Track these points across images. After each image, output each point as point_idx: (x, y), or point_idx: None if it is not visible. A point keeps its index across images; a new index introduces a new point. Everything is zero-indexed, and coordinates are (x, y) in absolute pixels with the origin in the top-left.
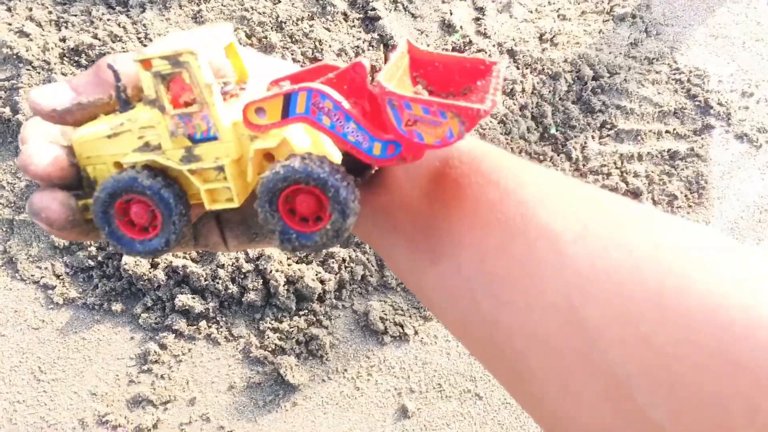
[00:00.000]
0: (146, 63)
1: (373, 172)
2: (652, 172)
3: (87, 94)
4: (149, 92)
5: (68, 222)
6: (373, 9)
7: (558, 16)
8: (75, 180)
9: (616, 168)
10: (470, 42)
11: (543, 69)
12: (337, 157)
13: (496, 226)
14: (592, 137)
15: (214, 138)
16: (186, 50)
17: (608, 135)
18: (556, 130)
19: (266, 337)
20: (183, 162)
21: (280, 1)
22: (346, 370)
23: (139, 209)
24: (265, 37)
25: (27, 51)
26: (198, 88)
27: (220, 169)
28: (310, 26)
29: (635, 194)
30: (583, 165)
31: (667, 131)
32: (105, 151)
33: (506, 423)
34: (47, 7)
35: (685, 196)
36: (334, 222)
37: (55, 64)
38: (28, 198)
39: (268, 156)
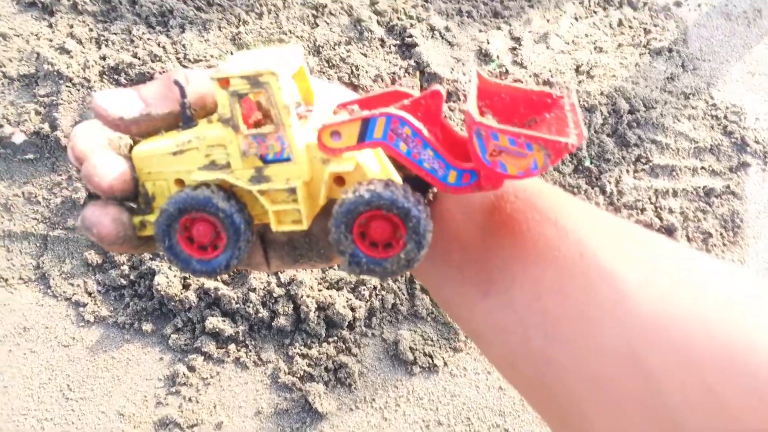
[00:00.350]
0: (224, 82)
1: (431, 197)
2: (687, 208)
3: (156, 107)
4: (224, 111)
5: (119, 238)
6: (410, 36)
7: (595, 48)
8: (132, 194)
9: (651, 203)
10: (506, 72)
11: (579, 101)
12: (399, 181)
13: (553, 263)
14: (627, 171)
15: (287, 159)
16: (267, 71)
17: (643, 169)
18: (591, 163)
19: (295, 362)
20: (252, 182)
21: (317, 26)
22: (374, 399)
23: (205, 228)
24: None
25: (68, 68)
26: (276, 109)
27: (292, 190)
28: (347, 51)
29: (669, 231)
30: (618, 199)
31: (702, 168)
32: (168, 168)
33: None
34: (88, 25)
35: (720, 234)
36: (408, 251)
37: (94, 81)
38: (62, 214)
39: (338, 179)
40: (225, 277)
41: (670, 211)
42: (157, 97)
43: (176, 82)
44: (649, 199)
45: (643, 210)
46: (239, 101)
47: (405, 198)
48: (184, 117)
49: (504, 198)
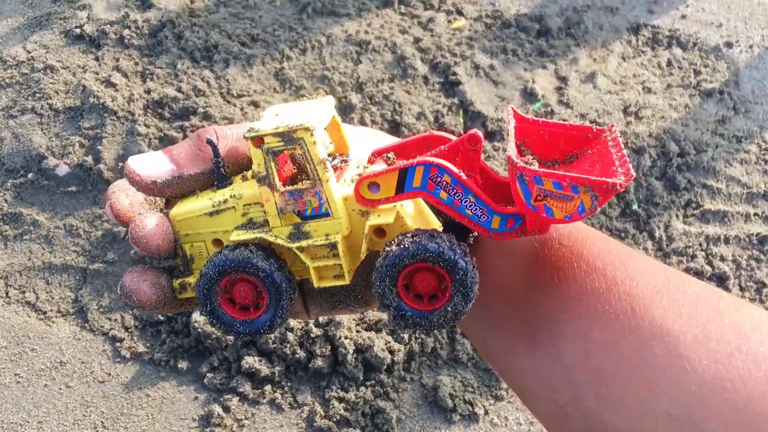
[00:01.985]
0: (258, 140)
1: (470, 241)
2: (740, 256)
3: (188, 168)
4: (260, 169)
5: (159, 303)
6: (454, 74)
7: (643, 88)
8: (172, 255)
9: (701, 250)
10: (552, 112)
11: (627, 143)
12: (440, 229)
13: (602, 318)
14: (677, 216)
15: (326, 215)
16: (301, 127)
17: (693, 215)
18: (639, 207)
19: (331, 406)
20: (291, 239)
21: (361, 62)
22: None
23: (246, 289)
24: (345, 98)
25: (112, 101)
26: (312, 164)
27: (332, 246)
28: (390, 88)
29: (721, 279)
30: (667, 245)
31: (755, 214)
32: (205, 229)
33: None
34: (134, 59)
35: None
36: (455, 304)
37: (138, 115)
38: (102, 247)
39: (378, 230)
40: None
41: (722, 258)
42: (188, 157)
43: (209, 141)
44: (700, 245)
45: (693, 257)
46: (274, 159)
47: (451, 250)
48: (218, 176)
49: (548, 244)
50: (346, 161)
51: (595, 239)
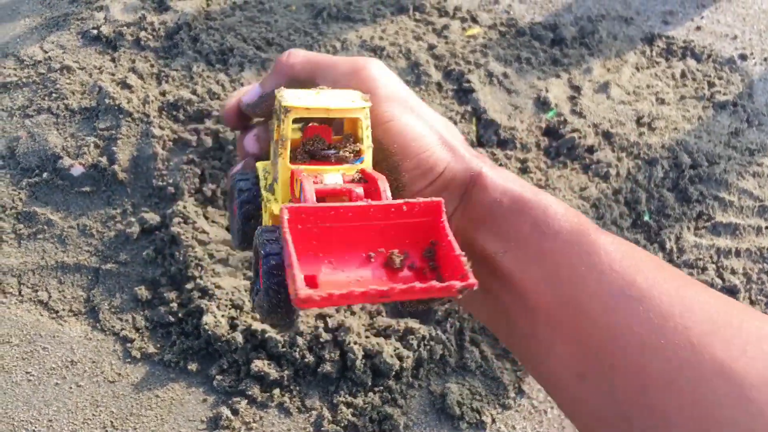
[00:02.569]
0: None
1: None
2: (751, 269)
3: (266, 86)
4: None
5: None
6: (468, 81)
7: (656, 99)
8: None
9: (712, 262)
10: (565, 121)
11: (639, 153)
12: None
13: (658, 351)
14: (688, 228)
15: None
16: (286, 105)
17: (705, 227)
18: (650, 218)
19: (339, 411)
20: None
21: None
22: None
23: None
24: None
25: (128, 102)
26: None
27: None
28: None
29: (731, 292)
30: (677, 257)
31: (767, 227)
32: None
33: None
34: (150, 61)
35: None
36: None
37: (153, 117)
38: (115, 248)
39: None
40: None
41: (733, 271)
42: (269, 79)
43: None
44: (711, 258)
45: (704, 269)
46: (280, 121)
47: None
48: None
49: (597, 268)
50: (342, 160)
51: (648, 265)
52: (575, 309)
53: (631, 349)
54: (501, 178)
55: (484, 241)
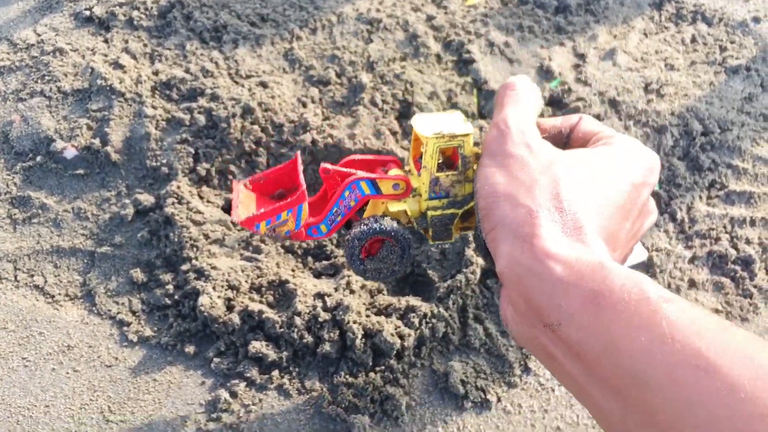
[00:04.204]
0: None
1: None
2: (766, 239)
3: None
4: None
5: None
6: (468, 52)
7: (665, 65)
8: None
9: (726, 232)
10: (569, 90)
11: (648, 122)
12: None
13: (728, 425)
14: (700, 197)
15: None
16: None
17: (717, 196)
18: (660, 188)
19: (340, 392)
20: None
21: (372, 41)
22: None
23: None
24: (355, 77)
25: (120, 83)
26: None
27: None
28: (402, 67)
29: (746, 263)
30: (689, 227)
31: None
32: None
33: None
34: (143, 40)
35: None
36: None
37: (146, 97)
38: (110, 230)
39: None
40: (270, 299)
41: (747, 241)
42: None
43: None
44: (724, 227)
45: (717, 239)
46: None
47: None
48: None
49: (659, 339)
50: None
51: (713, 330)
52: (641, 382)
53: (701, 424)
54: (556, 245)
55: (546, 310)
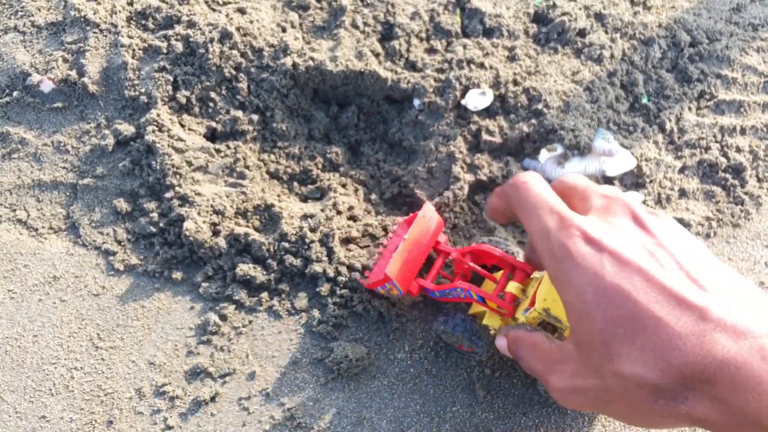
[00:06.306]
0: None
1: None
2: (757, 146)
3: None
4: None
5: None
6: None
7: None
8: None
9: (716, 141)
10: (554, 5)
11: (634, 34)
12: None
13: None
14: (689, 108)
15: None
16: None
17: (707, 106)
18: (648, 100)
19: (330, 310)
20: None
21: None
22: (414, 349)
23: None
24: (336, 1)
25: (94, 14)
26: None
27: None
28: None
29: (737, 171)
30: (678, 137)
31: None
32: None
33: None
34: None
35: None
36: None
37: (121, 27)
38: (91, 162)
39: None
40: (256, 223)
41: (738, 149)
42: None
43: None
44: (714, 137)
45: (707, 149)
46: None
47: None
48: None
49: (695, 397)
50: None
51: (757, 388)
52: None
53: None
54: None
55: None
